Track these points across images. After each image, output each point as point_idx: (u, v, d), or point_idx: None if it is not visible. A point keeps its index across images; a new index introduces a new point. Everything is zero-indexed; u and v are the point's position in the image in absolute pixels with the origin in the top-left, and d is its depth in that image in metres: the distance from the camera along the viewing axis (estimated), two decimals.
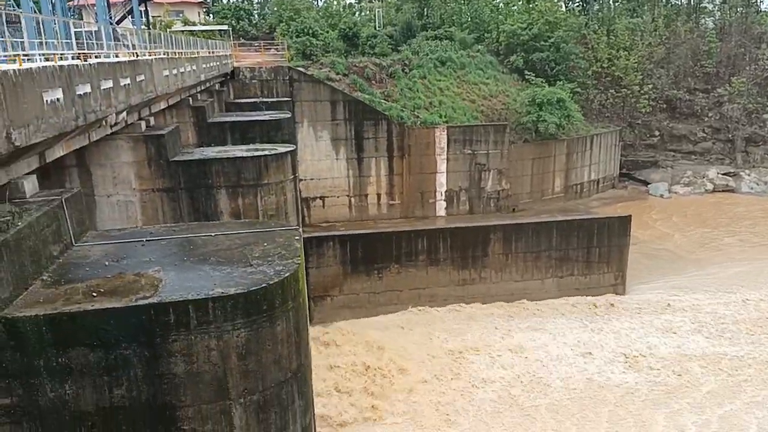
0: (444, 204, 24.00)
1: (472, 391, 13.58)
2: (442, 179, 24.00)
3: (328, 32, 29.60)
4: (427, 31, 32.09)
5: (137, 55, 11.10)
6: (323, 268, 16.91)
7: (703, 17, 47.56)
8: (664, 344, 15.91)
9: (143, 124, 11.61)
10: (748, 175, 34.15)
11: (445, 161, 24.00)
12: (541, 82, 28.73)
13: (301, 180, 20.52)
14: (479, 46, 31.70)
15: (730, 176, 33.87)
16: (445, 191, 23.99)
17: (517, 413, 12.95)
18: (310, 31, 28.15)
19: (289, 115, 17.02)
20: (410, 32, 31.26)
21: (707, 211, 29.78)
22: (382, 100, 23.83)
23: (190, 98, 15.46)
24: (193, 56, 15.24)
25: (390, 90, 24.98)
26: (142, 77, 10.53)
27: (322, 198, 21.09)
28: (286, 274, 6.82)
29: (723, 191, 33.06)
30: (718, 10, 47.51)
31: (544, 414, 12.93)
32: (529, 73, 30.03)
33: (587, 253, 19.98)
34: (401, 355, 14.45)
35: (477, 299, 18.57)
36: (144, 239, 8.28)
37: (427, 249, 18.34)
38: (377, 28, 31.52)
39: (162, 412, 6.30)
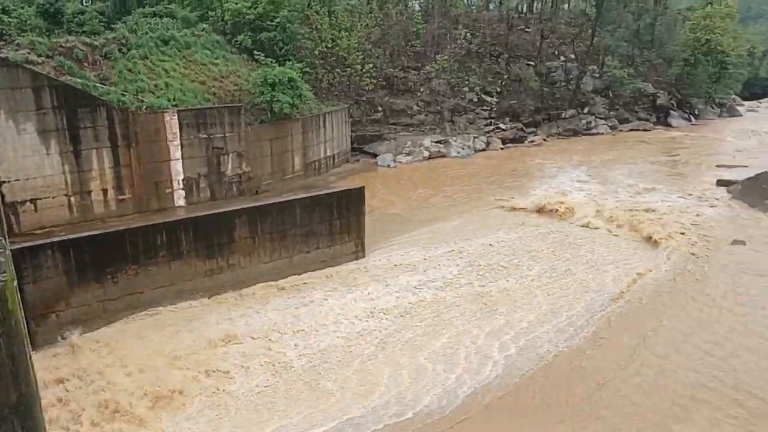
0: (183, 193, 22.84)
1: (225, 382, 13.48)
2: (177, 167, 22.72)
3: (23, 8, 25.37)
4: (144, 7, 29.65)
5: None
6: (42, 282, 14.72)
7: (411, 0, 52.92)
8: (403, 297, 17.73)
9: None
10: (455, 141, 39.63)
11: (180, 147, 22.73)
12: (271, 62, 28.94)
13: (4, 182, 17.51)
14: (204, 25, 30.47)
15: (441, 144, 38.89)
16: (183, 179, 22.82)
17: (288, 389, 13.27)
18: (0, 7, 23.82)
19: None
20: (124, 8, 28.59)
21: (426, 175, 33.86)
22: (98, 84, 21.40)
23: None
24: None
25: (107, 73, 22.54)
26: None
27: (33, 201, 18.17)
28: None
29: (437, 157, 37.90)
30: None
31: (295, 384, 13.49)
32: (258, 53, 29.98)
33: (330, 226, 21.06)
34: (144, 365, 13.54)
35: (227, 288, 18.27)
36: None
37: (168, 243, 17.28)
38: (84, 3, 28.05)
39: None
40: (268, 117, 27.03)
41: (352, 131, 36.68)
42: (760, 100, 75.58)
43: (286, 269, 19.83)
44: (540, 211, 26.23)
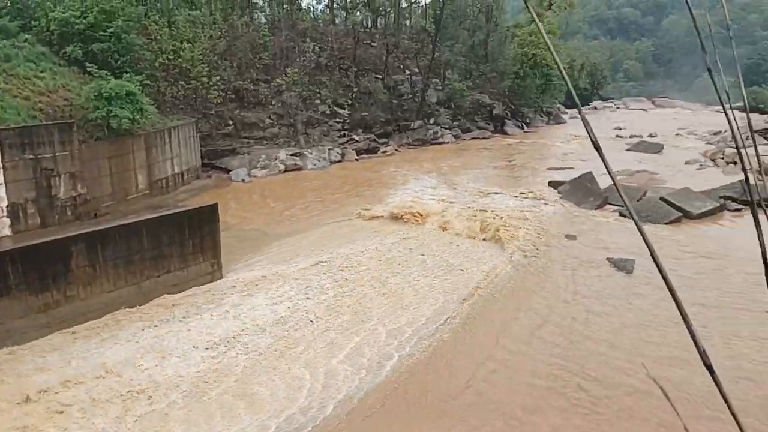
0: (8, 221, 20.32)
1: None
2: (0, 192, 20.23)
3: None
4: None
5: None
6: None
7: (256, 12, 52.10)
8: (262, 314, 17.20)
9: None
10: (311, 153, 39.66)
11: (2, 170, 20.26)
12: (106, 74, 26.87)
13: None
14: (27, 36, 27.54)
15: (297, 156, 38.70)
16: (7, 206, 20.32)
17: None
18: None
19: None
20: None
21: (283, 189, 33.45)
22: None
23: None
24: None
25: None
26: None
27: None
28: None
29: (293, 170, 37.64)
30: (267, 6, 52.78)
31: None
32: (90, 65, 27.67)
33: (181, 247, 19.89)
34: None
35: (67, 322, 16.46)
36: None
37: None
38: None
39: None
40: (105, 133, 25.03)
41: (202, 146, 35.18)
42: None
43: (134, 297, 18.35)
44: (397, 218, 27.07)
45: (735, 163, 39.18)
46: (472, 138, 54.26)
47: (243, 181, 34.53)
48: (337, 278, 20.14)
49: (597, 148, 1.46)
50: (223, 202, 25.08)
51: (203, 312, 17.56)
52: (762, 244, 1.45)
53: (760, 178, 2.33)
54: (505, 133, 58.06)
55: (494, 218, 26.32)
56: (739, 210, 27.18)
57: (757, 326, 15.94)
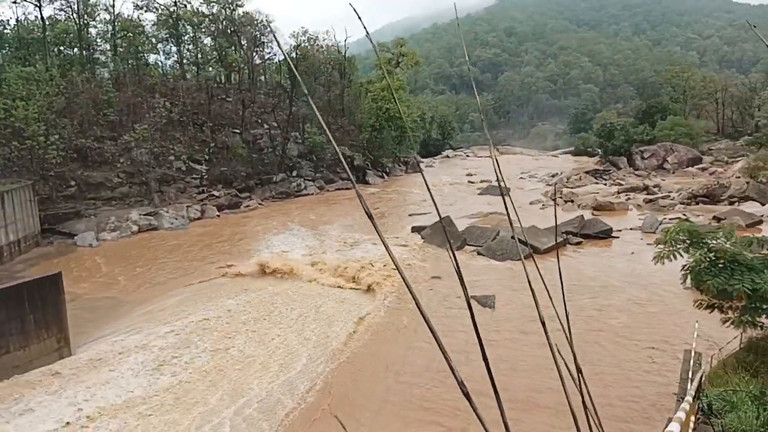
0: None
1: None
2: None
3: None
4: None
5: None
6: None
7: (98, 68, 49.36)
8: (116, 393, 15.53)
9: None
10: (167, 212, 37.57)
11: None
12: None
13: None
14: None
15: (151, 216, 36.43)
16: None
17: None
18: None
19: None
20: None
21: (137, 251, 31.12)
22: None
23: None
24: None
25: None
26: None
27: None
28: None
29: (148, 230, 35.30)
30: (111, 62, 50.24)
31: None
32: None
33: (21, 323, 17.54)
34: None
35: None
36: None
37: None
38: None
39: None
40: None
41: (41, 210, 31.85)
42: (434, 157, 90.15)
43: None
44: (264, 273, 26.27)
45: (572, 201, 43.65)
46: (336, 189, 55.01)
47: (91, 245, 31.63)
48: (202, 343, 18.86)
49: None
50: (68, 271, 22.65)
51: (40, 398, 15.41)
52: None
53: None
54: (367, 183, 59.65)
55: (363, 266, 26.54)
56: (579, 243, 30.14)
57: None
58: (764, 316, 12.03)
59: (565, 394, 1.36)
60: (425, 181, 1.60)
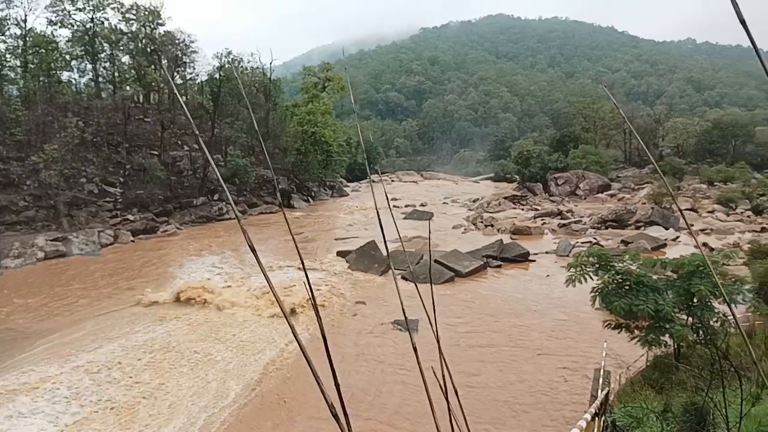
0: None
1: None
2: None
3: None
4: None
5: None
6: None
7: (6, 84, 46.62)
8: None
9: None
10: (77, 237, 35.49)
11: None
12: None
13: None
14: None
15: (59, 242, 34.28)
16: None
17: None
18: None
19: None
20: None
21: (44, 279, 29.12)
22: None
23: None
24: None
25: None
26: None
27: None
28: None
29: (55, 257, 33.15)
30: (21, 78, 47.47)
31: None
32: None
33: None
34: None
35: None
36: None
37: None
38: None
39: None
40: None
41: None
42: (360, 182, 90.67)
43: None
44: (181, 301, 25.23)
45: (492, 225, 45.04)
46: (260, 213, 54.03)
47: None
48: (110, 379, 17.76)
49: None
50: None
51: None
52: None
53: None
54: (292, 207, 59.07)
55: (288, 293, 26.07)
56: (499, 266, 31.10)
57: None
58: (667, 335, 12.84)
59: (434, 416, 1.39)
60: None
